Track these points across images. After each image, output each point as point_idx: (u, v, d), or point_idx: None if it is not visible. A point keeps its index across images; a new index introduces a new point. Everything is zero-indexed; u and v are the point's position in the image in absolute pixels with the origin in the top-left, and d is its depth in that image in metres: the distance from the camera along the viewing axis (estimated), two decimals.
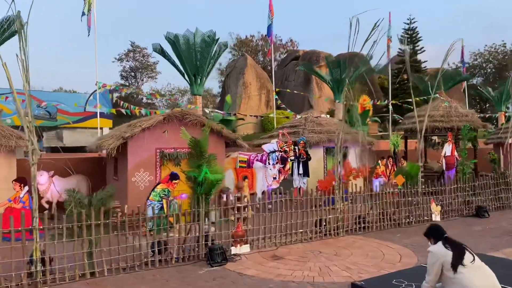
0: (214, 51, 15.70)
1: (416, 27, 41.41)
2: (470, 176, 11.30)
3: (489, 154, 13.62)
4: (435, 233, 4.61)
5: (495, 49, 58.73)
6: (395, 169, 15.94)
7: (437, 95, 18.08)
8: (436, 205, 10.39)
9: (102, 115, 20.98)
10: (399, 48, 42.45)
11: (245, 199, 9.26)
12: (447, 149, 15.56)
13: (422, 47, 41.44)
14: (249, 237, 7.64)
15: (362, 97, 28.01)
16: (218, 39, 15.78)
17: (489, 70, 60.65)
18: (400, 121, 21.47)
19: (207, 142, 6.77)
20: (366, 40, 8.67)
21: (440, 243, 4.46)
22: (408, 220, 9.88)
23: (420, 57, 42.34)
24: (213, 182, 6.84)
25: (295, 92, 32.93)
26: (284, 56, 45.21)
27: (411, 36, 41.50)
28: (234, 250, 7.26)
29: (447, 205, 10.75)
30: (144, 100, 61.52)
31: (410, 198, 9.97)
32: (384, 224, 9.45)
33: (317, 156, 13.41)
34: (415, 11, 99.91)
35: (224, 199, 10.41)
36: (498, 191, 11.87)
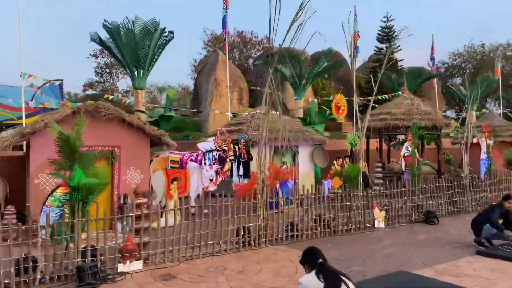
0: (159, 42, 14.49)
1: (393, 25, 40.74)
2: (421, 179, 10.33)
3: (443, 154, 12.73)
4: (308, 259, 3.56)
5: (473, 49, 58.73)
6: None
7: (400, 92, 17.21)
8: (380, 210, 9.39)
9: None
10: (375, 46, 41.88)
11: (160, 204, 8.16)
12: (406, 148, 14.67)
13: (399, 45, 40.77)
14: (154, 250, 6.54)
15: (337, 96, 27.22)
16: (164, 28, 14.60)
17: (467, 71, 60.65)
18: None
19: (79, 138, 5.59)
20: (292, 24, 7.61)
21: (313, 273, 3.40)
22: (346, 227, 8.86)
23: (402, 57, 41.82)
24: (92, 188, 5.68)
25: (268, 90, 31.84)
26: (260, 53, 44.13)
27: (387, 35, 40.82)
28: (121, 267, 6.11)
29: (395, 210, 9.77)
30: (120, 97, 59.84)
31: (349, 203, 8.96)
32: (316, 232, 8.40)
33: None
34: (404, 13, 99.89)
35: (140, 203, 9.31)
36: (452, 195, 10.95)
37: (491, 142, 15.66)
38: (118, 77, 61.79)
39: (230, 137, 11.29)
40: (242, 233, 7.46)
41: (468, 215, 10.04)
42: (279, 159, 12.57)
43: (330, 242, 7.97)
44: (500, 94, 28.31)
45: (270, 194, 8.09)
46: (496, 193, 11.96)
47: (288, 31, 7.69)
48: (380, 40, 41.15)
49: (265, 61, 28.86)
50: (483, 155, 14.99)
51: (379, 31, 40.80)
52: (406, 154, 14.51)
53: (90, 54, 57.59)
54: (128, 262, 6.16)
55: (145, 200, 6.63)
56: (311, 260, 3.52)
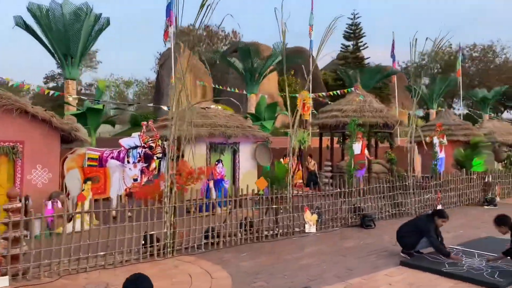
0: (94, 29, 13.34)
1: (360, 22, 40.55)
2: (357, 179, 9.67)
3: (386, 153, 12.20)
4: None
5: (442, 50, 59.54)
6: (300, 168, 14.32)
7: (353, 88, 16.65)
8: (312, 213, 8.68)
9: None
10: (342, 44, 41.58)
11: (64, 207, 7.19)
12: (356, 147, 14.07)
13: (365, 43, 40.62)
14: (35, 262, 5.58)
15: (302, 93, 26.56)
16: (100, 14, 13.45)
17: (435, 70, 61.53)
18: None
19: None
20: (198, 8, 6.74)
21: None
22: (272, 232, 8.09)
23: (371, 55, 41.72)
24: None
25: (231, 86, 30.94)
26: (227, 47, 43.14)
27: (354, 32, 40.57)
28: None
29: (329, 213, 9.08)
30: (83, 91, 57.74)
31: (275, 206, 8.18)
32: (236, 238, 7.58)
33: (198, 153, 11.42)
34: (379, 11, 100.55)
35: (49, 206, 8.28)
36: (394, 196, 10.37)
37: (444, 141, 15.32)
38: (81, 69, 59.69)
39: (159, 132, 10.34)
40: (143, 242, 6.56)
41: (411, 218, 9.46)
42: (217, 156, 11.73)
43: (249, 250, 7.17)
44: (461, 94, 28.35)
45: (200, 195, 7.21)
46: (442, 195, 11.51)
47: (199, 11, 6.83)
48: (347, 37, 40.88)
49: (216, 53, 28.12)
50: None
51: (346, 28, 40.53)
52: (355, 153, 13.94)
53: None
54: None
55: (18, 205, 5.63)
56: None
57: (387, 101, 35.48)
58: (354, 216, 9.36)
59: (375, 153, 16.77)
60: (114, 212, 7.40)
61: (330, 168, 14.95)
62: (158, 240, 6.70)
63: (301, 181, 14.59)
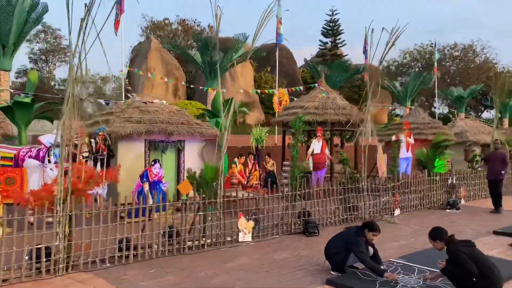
0: (30, 16, 12.18)
1: (338, 19, 39.84)
2: (302, 181, 8.77)
3: (338, 153, 11.37)
4: None
5: (423, 48, 59.56)
6: (257, 168, 13.41)
7: (316, 84, 15.80)
8: (248, 220, 7.75)
9: None
10: (320, 40, 40.87)
11: None
12: (316, 146, 13.21)
13: (343, 40, 39.96)
14: None
15: (280, 90, 25.64)
16: (37, 1, 12.29)
17: (416, 69, 61.46)
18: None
19: None
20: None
21: None
22: (198, 242, 7.14)
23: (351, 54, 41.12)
24: None
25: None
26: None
27: (332, 29, 39.86)
28: None
29: (269, 219, 8.17)
30: (57, 86, 55.99)
31: (201, 213, 7.24)
32: (151, 251, 6.61)
33: (135, 151, 10.43)
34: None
35: None
36: (346, 199, 9.51)
37: (411, 140, 14.55)
38: (55, 64, 57.88)
39: (84, 128, 9.28)
40: (27, 257, 5.55)
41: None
42: (158, 155, 10.72)
43: (162, 265, 6.20)
44: (436, 92, 27.83)
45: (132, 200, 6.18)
46: (401, 197, 10.72)
47: None
48: (325, 34, 40.17)
49: (173, 44, 27.03)
50: (403, 154, 13.81)
51: (324, 24, 39.79)
52: (315, 152, 13.09)
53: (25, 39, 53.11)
54: None
55: None
56: None
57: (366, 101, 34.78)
58: (299, 222, 8.47)
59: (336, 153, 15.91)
60: (31, 218, 6.36)
61: (289, 168, 14.05)
62: (49, 255, 5.70)
63: (257, 182, 13.67)
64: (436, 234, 4.99)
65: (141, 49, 34.92)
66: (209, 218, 7.27)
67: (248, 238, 7.66)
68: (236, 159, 12.56)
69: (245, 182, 12.75)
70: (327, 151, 13.30)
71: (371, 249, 5.70)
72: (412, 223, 9.56)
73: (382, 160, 14.54)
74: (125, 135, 9.92)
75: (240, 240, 7.56)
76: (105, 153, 9.31)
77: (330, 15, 39.58)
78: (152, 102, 11.35)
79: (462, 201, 12.40)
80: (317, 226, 8.28)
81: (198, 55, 25.98)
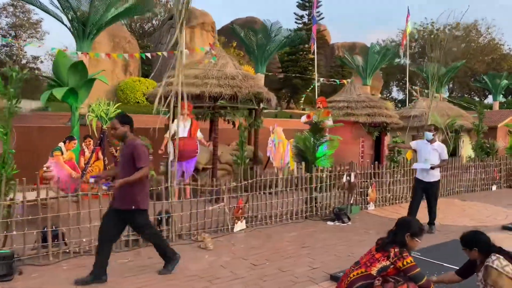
0: None
1: None
2: None
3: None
4: None
5: (424, 28, 55.42)
6: (99, 156, 10.09)
7: (207, 47, 12.21)
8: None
9: None
10: (295, 13, 36.80)
11: None
12: (181, 128, 9.71)
13: (321, 13, 35.83)
14: None
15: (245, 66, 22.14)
16: None
17: (416, 50, 57.28)
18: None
19: None
20: None
21: None
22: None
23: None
24: None
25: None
26: (164, 16, 38.37)
27: (310, 1, 35.74)
28: None
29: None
30: (31, 65, 53.15)
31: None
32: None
33: None
34: None
35: None
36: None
37: (329, 121, 11.02)
38: (25, 40, 54.93)
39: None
40: None
41: None
42: None
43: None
44: (407, 71, 23.97)
45: None
46: (250, 204, 7.33)
47: None
48: (301, 7, 36.13)
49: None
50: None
51: None
52: (181, 135, 9.67)
53: None
54: None
55: None
56: None
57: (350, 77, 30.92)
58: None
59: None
60: None
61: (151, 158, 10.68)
62: None
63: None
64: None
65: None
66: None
67: None
68: (61, 144, 9.12)
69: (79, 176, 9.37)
70: (199, 135, 9.89)
71: None
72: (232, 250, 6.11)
73: (282, 148, 11.10)
74: None
75: None
76: None
77: None
78: None
79: (371, 206, 8.96)
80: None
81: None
